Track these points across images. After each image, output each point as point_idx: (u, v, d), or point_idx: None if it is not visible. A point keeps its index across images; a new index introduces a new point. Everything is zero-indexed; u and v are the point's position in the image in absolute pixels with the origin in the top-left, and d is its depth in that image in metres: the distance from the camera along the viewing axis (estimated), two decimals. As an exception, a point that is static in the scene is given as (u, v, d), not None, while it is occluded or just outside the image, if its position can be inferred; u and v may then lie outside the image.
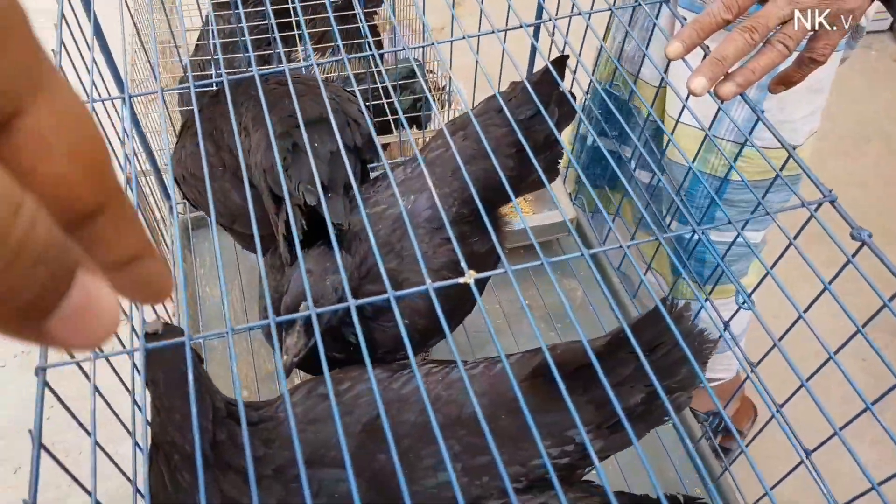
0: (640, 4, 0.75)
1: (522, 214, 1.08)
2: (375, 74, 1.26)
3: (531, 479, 0.60)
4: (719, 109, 0.68)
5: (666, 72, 0.99)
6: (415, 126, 1.39)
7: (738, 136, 0.99)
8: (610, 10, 0.77)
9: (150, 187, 1.21)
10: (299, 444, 0.46)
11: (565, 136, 1.21)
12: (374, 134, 0.61)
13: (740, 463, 0.72)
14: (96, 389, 0.53)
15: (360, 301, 0.53)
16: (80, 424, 0.56)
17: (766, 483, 0.53)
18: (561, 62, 0.78)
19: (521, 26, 0.74)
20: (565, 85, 0.74)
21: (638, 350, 0.51)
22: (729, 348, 0.82)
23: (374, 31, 1.39)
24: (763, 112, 0.99)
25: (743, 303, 0.75)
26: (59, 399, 0.53)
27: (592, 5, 0.84)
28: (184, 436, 0.52)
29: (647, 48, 0.91)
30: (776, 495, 0.52)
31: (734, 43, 0.63)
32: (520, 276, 1.05)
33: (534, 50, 1.08)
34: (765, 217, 1.09)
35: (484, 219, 0.56)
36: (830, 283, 0.57)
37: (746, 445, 0.69)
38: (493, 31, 0.75)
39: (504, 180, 0.57)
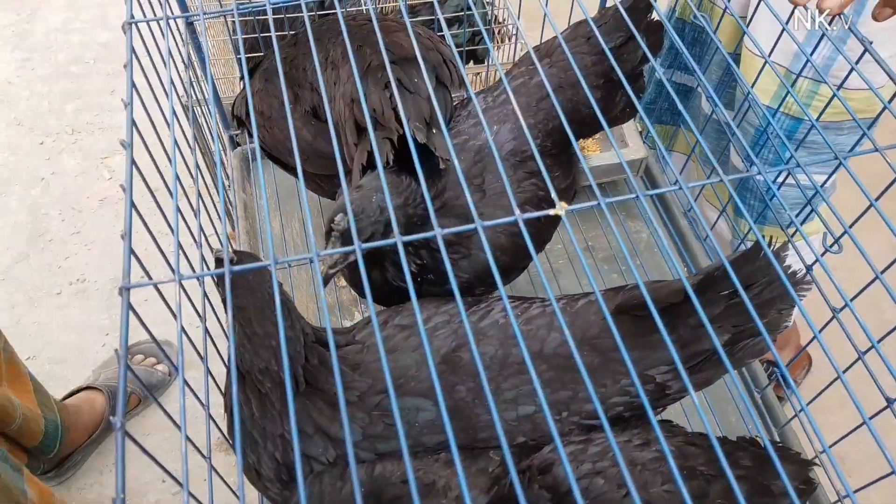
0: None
1: (590, 154, 1.06)
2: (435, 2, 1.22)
3: (610, 417, 0.60)
4: (807, 61, 0.64)
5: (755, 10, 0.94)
6: (472, 61, 1.35)
7: (818, 74, 0.94)
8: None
9: (204, 118, 1.20)
10: (387, 371, 0.46)
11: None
12: (464, 72, 0.59)
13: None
14: (177, 311, 0.53)
15: (407, 238, 0.51)
16: (161, 349, 0.56)
17: (824, 441, 0.51)
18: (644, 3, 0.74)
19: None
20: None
21: (740, 289, 0.48)
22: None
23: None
24: (847, 51, 0.94)
25: (831, 245, 0.72)
26: (139, 319, 0.53)
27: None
28: (278, 361, 0.52)
29: None
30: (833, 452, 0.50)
31: None
32: (586, 217, 1.04)
33: None
34: (835, 160, 1.05)
35: (574, 147, 0.53)
36: (883, 271, 0.54)
37: (810, 400, 0.67)
38: None
39: (597, 110, 0.54)
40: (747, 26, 0.99)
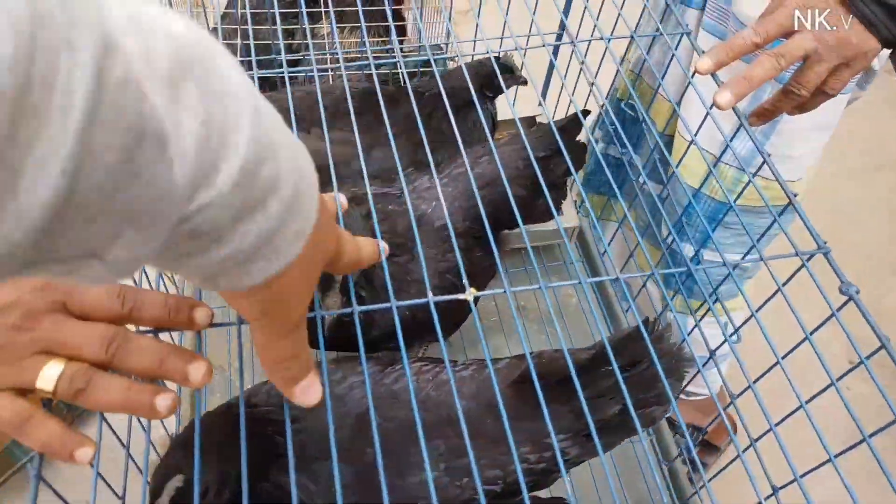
0: (661, 34, 0.77)
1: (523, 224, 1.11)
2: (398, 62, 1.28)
3: (509, 484, 0.63)
4: (726, 147, 0.70)
5: (682, 96, 1.01)
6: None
7: (743, 163, 1.02)
8: (630, 36, 0.79)
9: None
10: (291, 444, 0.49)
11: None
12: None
13: (718, 480, 0.75)
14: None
15: (364, 308, 0.56)
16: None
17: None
18: (576, 120, 0.84)
19: (543, 45, 0.76)
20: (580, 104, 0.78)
21: (615, 367, 0.53)
22: (715, 367, 0.85)
23: (399, 15, 1.40)
24: (770, 146, 1.01)
25: (731, 335, 0.78)
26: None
27: (614, 29, 0.85)
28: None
29: (666, 68, 0.93)
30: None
31: (762, 65, 0.66)
32: (520, 277, 1.08)
33: (551, 67, 1.10)
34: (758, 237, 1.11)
35: (489, 237, 0.59)
36: (812, 333, 0.59)
37: (718, 471, 0.72)
38: (515, 49, 0.77)
39: (514, 207, 0.62)
40: (680, 110, 1.06)
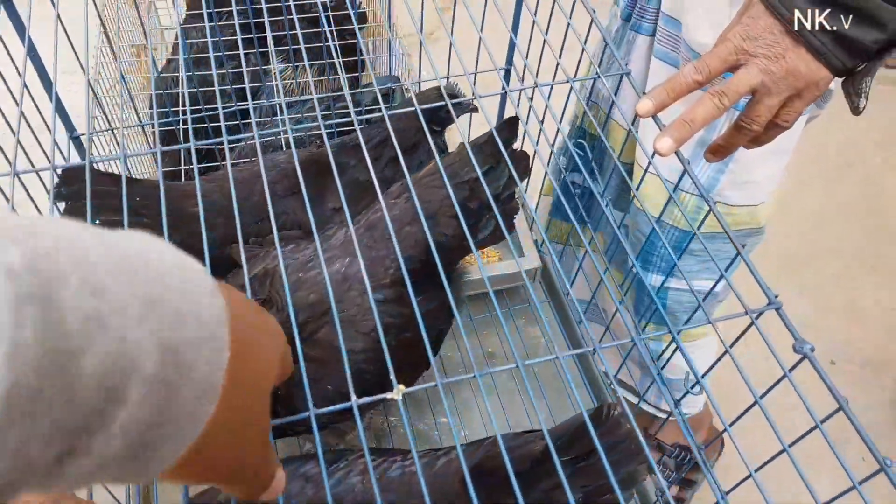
0: (598, 77, 0.73)
1: (483, 262, 1.08)
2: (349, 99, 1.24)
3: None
4: (684, 171, 0.66)
5: (634, 122, 0.97)
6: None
7: (704, 190, 0.99)
8: (568, 81, 0.75)
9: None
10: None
11: (538, 174, 1.19)
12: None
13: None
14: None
15: (319, 411, 0.52)
16: None
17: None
18: (512, 123, 0.78)
19: (504, 92, 0.72)
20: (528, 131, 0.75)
21: (558, 467, 0.50)
22: (701, 388, 0.82)
23: (351, 50, 1.36)
24: (728, 172, 0.98)
25: (693, 386, 0.74)
26: None
27: (555, 74, 0.82)
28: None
29: (615, 95, 0.90)
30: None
31: (703, 106, 0.62)
32: (487, 323, 1.05)
33: (503, 99, 1.07)
34: (722, 263, 1.09)
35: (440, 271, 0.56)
36: (762, 397, 0.56)
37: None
38: (464, 74, 0.74)
39: (438, 243, 0.59)
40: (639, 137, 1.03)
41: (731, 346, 0.60)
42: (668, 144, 0.63)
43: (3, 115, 0.78)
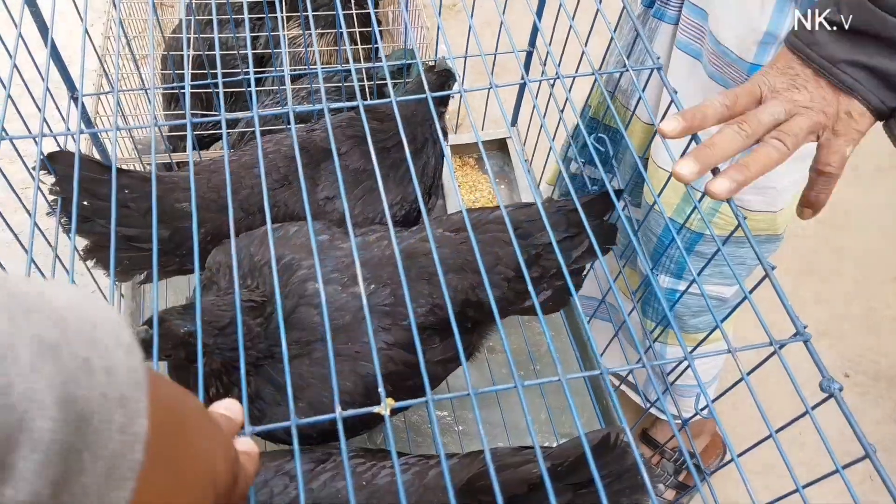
0: (627, 70, 0.68)
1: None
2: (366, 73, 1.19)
3: None
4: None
5: (658, 117, 0.93)
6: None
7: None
8: (595, 73, 0.70)
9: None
10: None
11: (552, 166, 1.15)
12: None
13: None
14: None
15: (301, 421, 0.49)
16: None
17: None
18: (606, 200, 0.74)
19: (524, 82, 0.68)
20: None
21: (552, 499, 0.46)
22: (709, 387, 0.79)
23: (366, 19, 1.30)
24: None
25: (703, 409, 0.71)
26: None
27: (579, 65, 0.77)
28: None
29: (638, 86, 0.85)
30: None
31: (724, 133, 0.60)
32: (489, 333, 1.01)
33: (519, 102, 1.03)
34: (736, 268, 1.05)
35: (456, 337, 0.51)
36: (778, 431, 0.53)
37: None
38: (488, 88, 0.69)
39: (492, 301, 0.53)
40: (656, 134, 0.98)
41: (749, 373, 0.56)
42: (689, 168, 0.59)
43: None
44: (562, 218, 0.72)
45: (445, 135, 0.95)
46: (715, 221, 0.96)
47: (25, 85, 0.84)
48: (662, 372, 1.10)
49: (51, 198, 0.83)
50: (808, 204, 0.66)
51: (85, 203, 0.85)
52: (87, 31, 0.79)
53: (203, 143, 1.28)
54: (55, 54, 0.85)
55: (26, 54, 0.79)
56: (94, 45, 0.98)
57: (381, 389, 0.49)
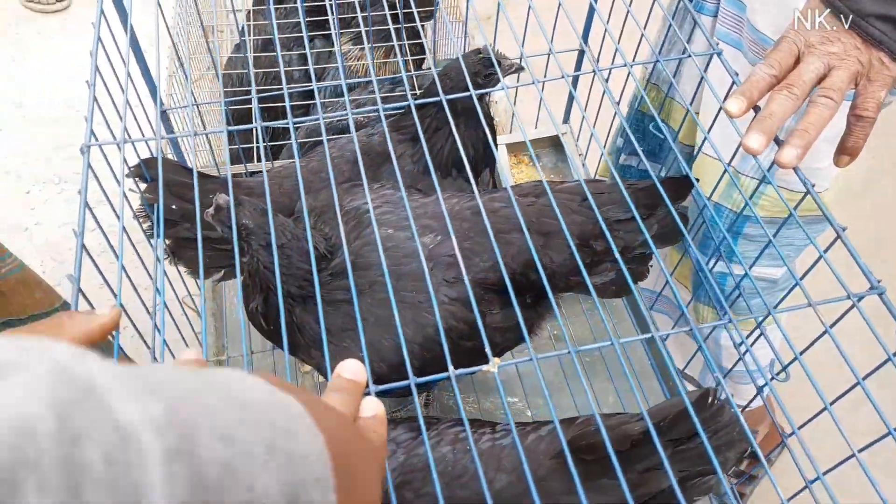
0: (689, 56, 0.72)
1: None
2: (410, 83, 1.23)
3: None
4: (739, 145, 0.66)
5: (694, 98, 0.96)
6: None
7: (761, 174, 0.97)
8: (656, 61, 0.74)
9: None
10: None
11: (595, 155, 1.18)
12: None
13: (769, 492, 0.71)
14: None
15: (420, 380, 0.51)
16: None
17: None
18: (685, 184, 0.75)
19: (562, 77, 0.71)
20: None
21: (660, 450, 0.49)
22: (758, 375, 0.80)
23: (415, 33, 1.35)
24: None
25: (778, 373, 0.73)
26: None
27: (636, 52, 0.80)
28: None
29: (676, 70, 0.88)
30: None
31: (776, 100, 0.64)
32: (551, 311, 1.03)
33: (571, 97, 1.06)
34: (784, 249, 1.06)
35: (512, 299, 0.53)
36: (865, 378, 0.55)
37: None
38: (532, 83, 0.72)
39: (540, 270, 0.56)
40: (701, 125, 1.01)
41: (832, 325, 0.59)
42: (758, 140, 0.63)
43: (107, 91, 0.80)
44: (631, 196, 0.74)
45: (490, 119, 0.97)
46: (760, 203, 0.99)
47: (109, 95, 0.88)
48: (721, 351, 1.11)
49: (136, 204, 0.88)
50: (846, 151, 0.69)
51: (173, 207, 0.89)
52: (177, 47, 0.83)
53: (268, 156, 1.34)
54: (143, 66, 0.90)
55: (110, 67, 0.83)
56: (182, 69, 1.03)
57: (487, 350, 0.51)
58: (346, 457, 0.30)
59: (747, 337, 0.76)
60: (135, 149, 0.84)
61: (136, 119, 0.91)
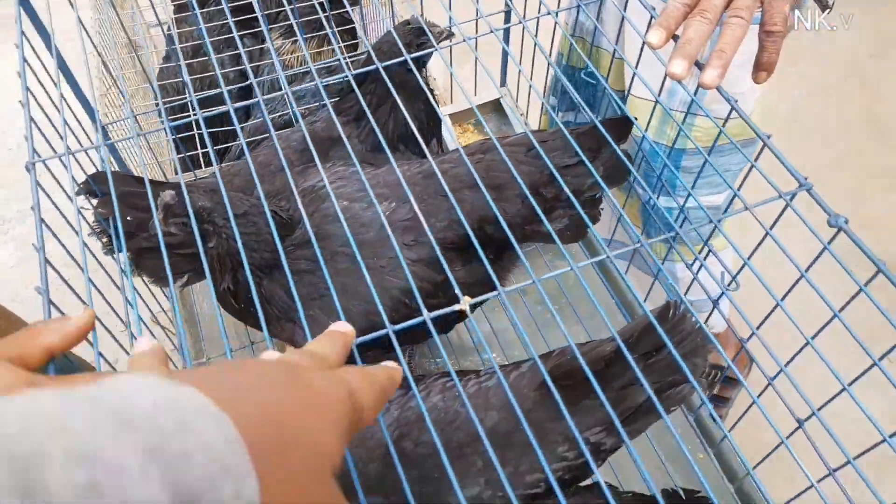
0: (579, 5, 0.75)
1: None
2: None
3: (550, 485, 0.63)
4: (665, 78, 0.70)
5: (617, 41, 1.00)
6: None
7: (690, 107, 1.02)
8: (578, 6, 0.77)
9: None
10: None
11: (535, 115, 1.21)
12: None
13: (740, 425, 0.76)
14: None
15: (397, 327, 0.53)
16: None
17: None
18: (625, 123, 0.77)
19: (491, 32, 0.74)
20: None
21: (630, 362, 0.52)
22: (724, 300, 0.85)
23: (343, 18, 1.37)
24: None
25: (728, 284, 0.77)
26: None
27: (559, 3, 0.84)
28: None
29: (597, 18, 0.91)
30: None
31: (691, 26, 0.68)
32: (515, 263, 1.07)
33: (505, 55, 1.08)
34: (724, 174, 1.12)
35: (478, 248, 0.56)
36: (807, 270, 0.59)
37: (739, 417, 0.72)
38: (463, 40, 0.75)
39: (502, 221, 0.58)
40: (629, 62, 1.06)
41: (772, 227, 0.63)
42: (682, 65, 0.66)
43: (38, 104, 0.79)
44: (575, 141, 0.76)
45: (431, 91, 0.99)
46: (693, 135, 1.05)
47: (45, 113, 0.88)
48: (678, 284, 1.17)
49: (91, 219, 0.88)
50: (762, 66, 0.73)
51: (129, 218, 0.89)
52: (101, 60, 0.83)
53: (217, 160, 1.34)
54: (74, 85, 0.90)
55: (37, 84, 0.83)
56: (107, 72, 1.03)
57: (457, 290, 0.54)
58: (276, 425, 0.29)
59: (701, 254, 0.80)
60: (80, 165, 0.84)
61: (76, 137, 0.91)
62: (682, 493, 0.66)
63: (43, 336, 0.41)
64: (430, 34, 0.75)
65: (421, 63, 0.97)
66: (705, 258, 0.89)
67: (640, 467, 0.51)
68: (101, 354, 0.57)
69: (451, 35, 0.90)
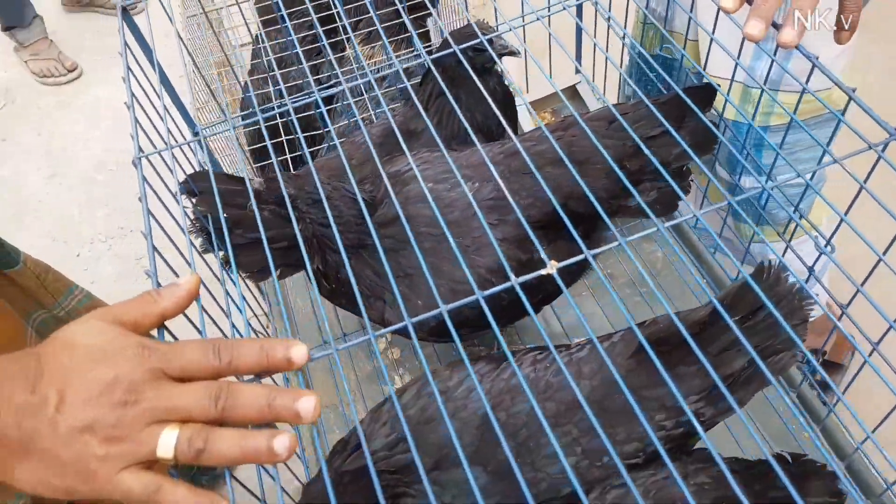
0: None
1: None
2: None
3: (649, 454, 0.62)
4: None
5: (690, 24, 0.98)
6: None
7: (768, 84, 0.98)
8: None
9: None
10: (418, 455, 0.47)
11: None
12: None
13: (849, 394, 0.72)
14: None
15: (450, 306, 0.53)
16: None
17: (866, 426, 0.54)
18: (708, 90, 0.75)
19: (564, 9, 0.74)
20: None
21: (729, 322, 0.51)
22: (818, 283, 0.81)
23: (418, 23, 1.40)
24: (794, 59, 0.97)
25: (825, 245, 0.74)
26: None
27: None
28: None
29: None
30: (878, 434, 0.53)
31: None
32: (599, 245, 1.06)
33: (579, 30, 1.08)
34: (808, 153, 1.07)
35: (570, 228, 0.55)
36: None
37: (847, 385, 0.69)
38: (536, 18, 0.75)
39: (589, 195, 0.57)
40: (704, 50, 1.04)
41: (866, 180, 0.60)
42: (758, 26, 0.64)
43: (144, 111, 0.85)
44: (647, 114, 0.73)
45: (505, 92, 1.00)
46: (776, 112, 1.01)
47: (148, 118, 0.93)
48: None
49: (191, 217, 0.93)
50: (843, 27, 0.70)
51: (225, 216, 0.94)
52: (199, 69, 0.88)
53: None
54: (170, 91, 0.96)
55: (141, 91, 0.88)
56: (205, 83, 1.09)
57: (542, 254, 0.53)
58: None
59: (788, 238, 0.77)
60: (179, 164, 0.89)
61: (176, 141, 0.97)
62: (788, 457, 0.64)
63: (158, 303, 0.47)
64: (489, 47, 0.75)
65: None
66: (790, 239, 0.86)
67: (750, 429, 0.50)
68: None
69: (513, 53, 0.90)
